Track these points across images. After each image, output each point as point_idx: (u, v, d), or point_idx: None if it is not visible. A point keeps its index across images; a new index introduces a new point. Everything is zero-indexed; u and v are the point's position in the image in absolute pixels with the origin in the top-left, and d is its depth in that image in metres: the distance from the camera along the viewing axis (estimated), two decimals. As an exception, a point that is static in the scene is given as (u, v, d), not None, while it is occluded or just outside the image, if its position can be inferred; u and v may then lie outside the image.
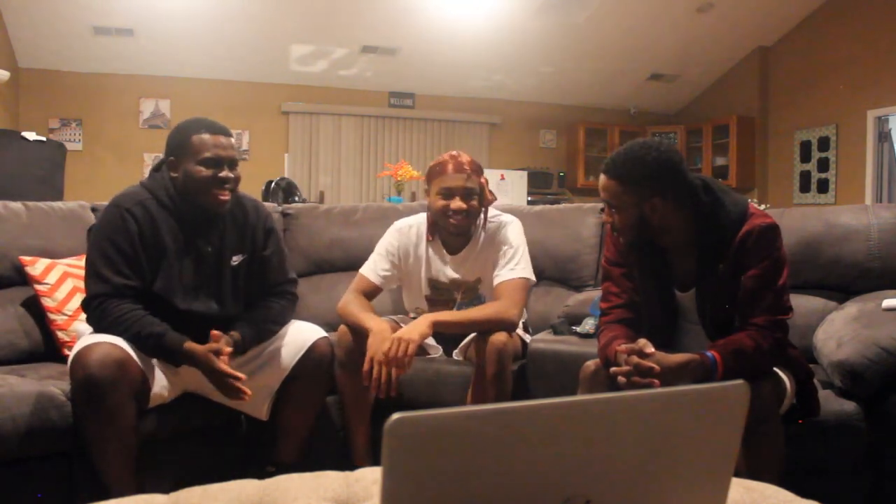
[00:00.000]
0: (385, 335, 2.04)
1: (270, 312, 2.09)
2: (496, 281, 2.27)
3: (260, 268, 2.13)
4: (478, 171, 2.30)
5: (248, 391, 1.89)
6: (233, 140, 2.01)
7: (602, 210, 2.94)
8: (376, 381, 2.00)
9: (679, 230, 1.75)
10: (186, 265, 1.97)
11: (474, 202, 2.28)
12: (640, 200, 1.69)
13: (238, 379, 1.87)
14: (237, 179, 2.00)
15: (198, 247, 1.99)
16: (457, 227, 2.29)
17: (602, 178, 1.76)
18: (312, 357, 2.08)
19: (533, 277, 2.32)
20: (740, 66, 8.33)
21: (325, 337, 2.13)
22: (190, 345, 1.88)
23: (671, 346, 1.82)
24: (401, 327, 2.36)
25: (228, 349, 1.90)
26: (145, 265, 1.91)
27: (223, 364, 1.86)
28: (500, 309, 2.18)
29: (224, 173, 1.95)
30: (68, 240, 2.50)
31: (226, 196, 1.96)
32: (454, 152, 2.33)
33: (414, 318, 2.49)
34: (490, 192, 2.36)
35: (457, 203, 2.25)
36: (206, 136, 1.94)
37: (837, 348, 1.96)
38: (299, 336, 2.11)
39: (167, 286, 1.93)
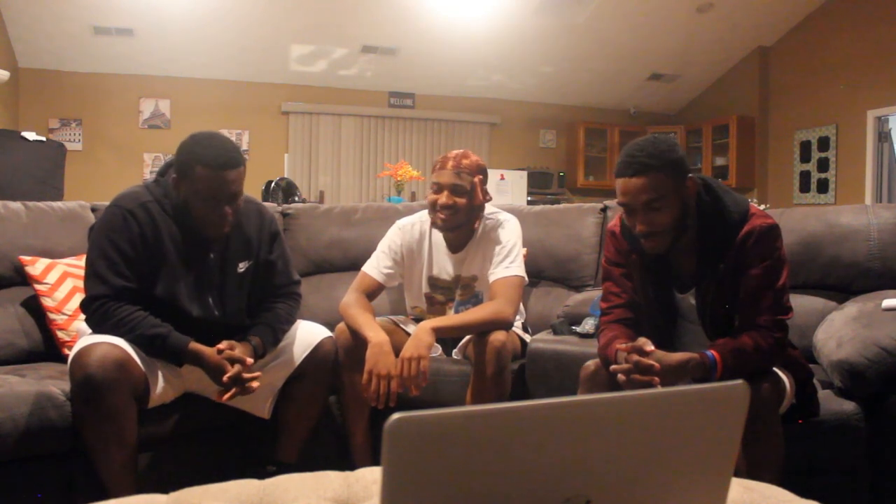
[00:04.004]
0: (384, 348, 2.05)
1: (281, 314, 2.10)
2: (492, 278, 2.27)
3: (265, 272, 2.12)
4: (472, 170, 2.28)
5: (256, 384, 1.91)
6: (240, 170, 1.91)
7: (604, 208, 2.94)
8: (374, 393, 2.03)
9: (685, 228, 1.75)
10: (188, 270, 1.96)
11: (462, 199, 2.26)
12: (681, 185, 1.68)
13: (250, 380, 1.89)
14: (237, 211, 1.95)
15: (200, 253, 1.98)
16: (443, 222, 2.28)
17: (635, 180, 1.65)
18: (318, 356, 2.09)
19: (526, 276, 2.32)
20: (740, 66, 8.33)
21: (330, 336, 2.14)
22: (195, 345, 1.88)
23: (671, 345, 1.82)
24: (399, 327, 2.37)
25: (250, 360, 1.90)
26: (145, 268, 1.90)
27: (243, 371, 1.88)
28: (496, 309, 2.18)
29: (221, 210, 1.89)
30: (68, 240, 2.50)
31: (222, 231, 1.93)
32: (459, 151, 2.33)
33: (413, 318, 2.49)
34: (484, 192, 2.33)
35: (443, 198, 2.25)
36: (209, 172, 1.85)
37: (837, 348, 1.95)
38: (306, 335, 2.12)
39: (168, 290, 1.93)
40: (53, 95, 7.13)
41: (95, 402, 1.70)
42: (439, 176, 2.27)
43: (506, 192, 7.85)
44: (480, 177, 2.31)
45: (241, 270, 2.06)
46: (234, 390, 1.88)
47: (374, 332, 2.10)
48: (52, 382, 1.87)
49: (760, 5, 7.22)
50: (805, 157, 7.67)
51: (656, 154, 1.66)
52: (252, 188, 2.05)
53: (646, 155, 1.66)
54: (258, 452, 2.15)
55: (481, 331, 2.14)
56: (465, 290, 2.40)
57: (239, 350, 1.91)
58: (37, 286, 2.33)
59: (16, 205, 2.52)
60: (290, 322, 2.12)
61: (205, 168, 1.85)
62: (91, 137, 7.29)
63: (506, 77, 8.20)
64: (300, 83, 7.88)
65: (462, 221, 2.30)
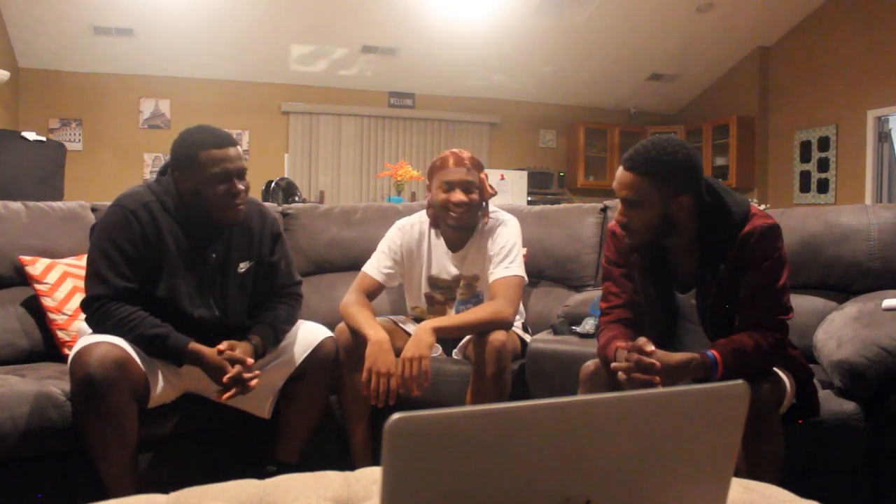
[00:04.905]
0: (383, 346, 2.05)
1: (282, 315, 2.10)
2: (491, 278, 2.28)
3: (267, 273, 2.13)
4: (478, 166, 2.34)
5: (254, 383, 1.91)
6: (239, 150, 1.97)
7: (604, 208, 2.95)
8: (374, 391, 2.03)
9: (686, 230, 1.75)
10: (189, 271, 1.96)
11: (475, 195, 2.30)
12: (667, 198, 1.67)
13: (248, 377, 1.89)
14: (247, 188, 1.98)
15: (202, 253, 1.98)
16: (457, 221, 2.30)
17: (625, 174, 1.69)
18: (318, 356, 2.09)
19: (526, 276, 2.33)
20: (740, 66, 8.32)
21: (331, 336, 2.15)
22: (195, 345, 1.88)
23: (672, 345, 1.82)
24: (399, 327, 2.37)
25: (251, 360, 1.91)
26: (146, 268, 1.90)
27: (243, 372, 1.88)
28: (496, 309, 2.18)
29: (236, 187, 1.93)
30: (68, 240, 2.50)
31: (241, 209, 1.96)
32: (455, 150, 2.35)
33: (413, 318, 2.49)
34: (490, 186, 2.38)
35: (457, 196, 2.27)
36: (214, 152, 1.90)
37: (837, 348, 1.95)
38: (307, 335, 2.12)
39: (169, 290, 1.93)
40: (53, 95, 7.12)
41: (95, 402, 1.70)
42: (448, 175, 2.29)
43: (506, 192, 7.84)
44: (485, 171, 2.37)
45: (242, 271, 2.06)
46: (233, 390, 1.88)
47: (374, 331, 2.10)
48: (52, 382, 1.87)
49: (760, 5, 7.21)
50: (805, 157, 7.67)
51: (654, 159, 1.66)
52: (252, 188, 2.05)
53: (645, 156, 1.67)
54: (258, 452, 2.15)
55: (481, 331, 2.14)
56: (466, 289, 2.40)
57: (239, 350, 1.91)
58: (37, 286, 2.33)
59: (16, 205, 2.52)
60: (291, 322, 2.13)
61: (208, 150, 1.89)
62: (91, 137, 7.28)
63: (506, 77, 8.20)
64: (300, 83, 7.88)
65: (473, 217, 2.34)
